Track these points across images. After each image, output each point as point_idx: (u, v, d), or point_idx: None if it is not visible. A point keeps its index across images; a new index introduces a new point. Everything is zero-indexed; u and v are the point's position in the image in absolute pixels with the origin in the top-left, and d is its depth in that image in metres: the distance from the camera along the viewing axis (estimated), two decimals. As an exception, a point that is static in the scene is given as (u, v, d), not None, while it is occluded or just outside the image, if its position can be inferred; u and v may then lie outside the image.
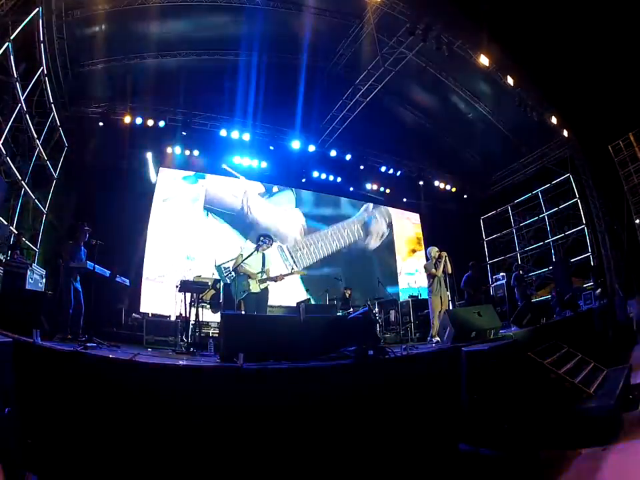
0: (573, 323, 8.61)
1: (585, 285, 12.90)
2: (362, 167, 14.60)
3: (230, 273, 6.54)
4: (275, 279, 6.41)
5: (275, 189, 13.81)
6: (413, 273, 15.28)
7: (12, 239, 7.98)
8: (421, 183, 15.84)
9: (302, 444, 3.30)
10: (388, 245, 15.47)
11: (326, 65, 12.15)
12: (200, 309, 7.55)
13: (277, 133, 13.23)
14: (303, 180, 14.08)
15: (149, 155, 11.75)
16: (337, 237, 14.26)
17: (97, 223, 6.46)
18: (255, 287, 6.25)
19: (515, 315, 7.85)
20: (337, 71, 12.25)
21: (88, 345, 4.13)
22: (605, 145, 13.12)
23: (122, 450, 2.96)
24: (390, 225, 15.76)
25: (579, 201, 14.01)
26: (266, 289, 6.38)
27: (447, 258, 7.39)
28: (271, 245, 6.71)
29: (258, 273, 6.31)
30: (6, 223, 8.10)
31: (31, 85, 8.26)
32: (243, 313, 6.17)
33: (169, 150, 12.01)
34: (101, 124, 11.02)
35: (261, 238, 6.59)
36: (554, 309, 10.69)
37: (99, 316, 6.61)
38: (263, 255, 6.48)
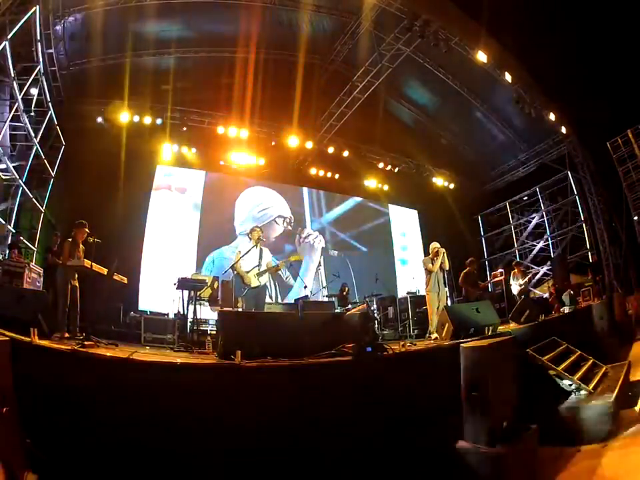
0: (572, 319, 8.61)
1: (583, 282, 12.90)
2: (360, 164, 14.57)
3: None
4: (277, 268, 6.47)
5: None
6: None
7: (10, 238, 7.96)
8: (419, 179, 15.87)
9: (301, 441, 3.30)
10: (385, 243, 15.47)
11: (323, 61, 12.14)
12: (198, 307, 7.56)
13: (275, 129, 13.18)
14: (301, 177, 14.06)
15: (147, 153, 11.70)
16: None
17: (94, 221, 6.43)
18: (254, 282, 6.27)
19: (513, 311, 7.86)
20: (334, 68, 12.20)
21: (86, 343, 4.11)
22: (603, 142, 13.10)
23: (121, 449, 2.96)
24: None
25: (577, 197, 14.00)
26: (265, 284, 6.42)
27: (444, 255, 7.38)
28: (263, 233, 6.73)
29: (256, 267, 6.33)
30: (4, 222, 8.08)
31: (28, 84, 8.23)
32: (241, 310, 6.19)
33: (166, 147, 11.99)
34: (99, 120, 11.02)
35: (253, 230, 6.61)
36: (552, 305, 10.72)
37: (97, 314, 6.60)
38: (260, 248, 6.50)
